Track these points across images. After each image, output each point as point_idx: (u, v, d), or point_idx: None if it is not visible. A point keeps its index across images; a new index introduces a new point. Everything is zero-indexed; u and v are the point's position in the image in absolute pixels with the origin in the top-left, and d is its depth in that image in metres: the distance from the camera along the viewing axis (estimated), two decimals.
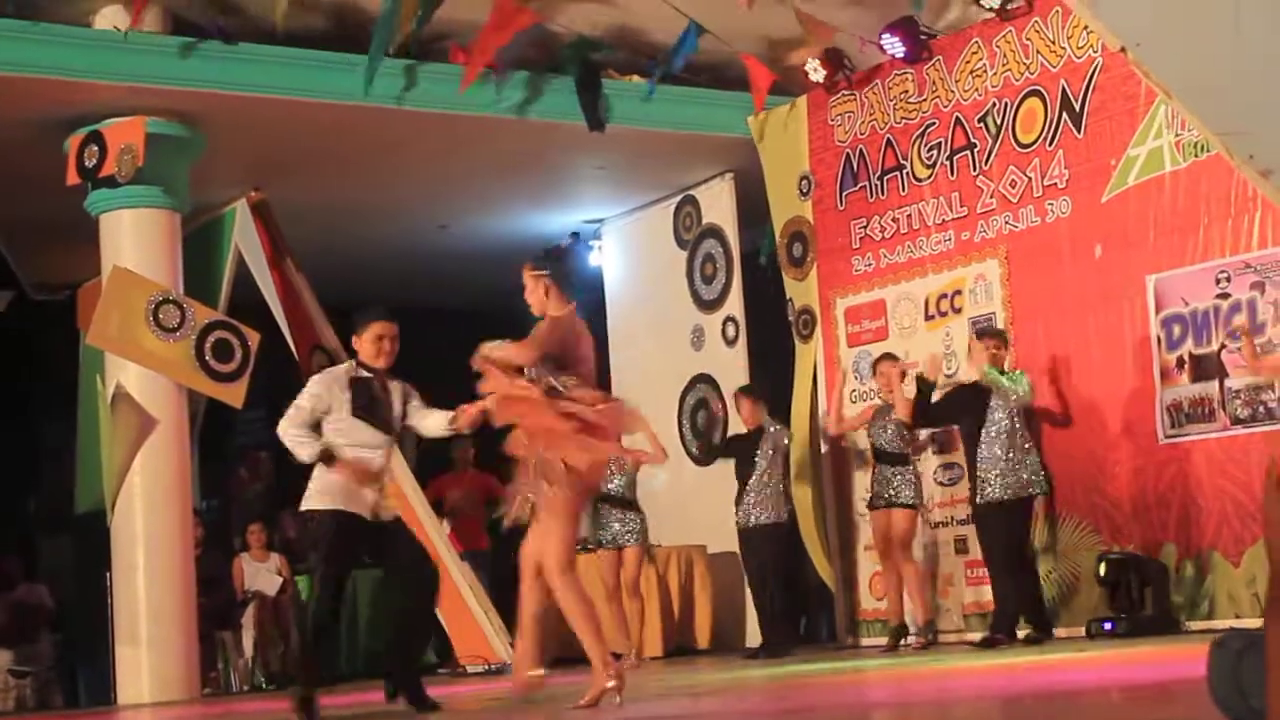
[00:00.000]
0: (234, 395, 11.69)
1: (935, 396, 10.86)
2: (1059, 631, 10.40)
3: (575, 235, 14.71)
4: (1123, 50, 3.17)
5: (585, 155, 12.91)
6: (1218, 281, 9.86)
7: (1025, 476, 10.24)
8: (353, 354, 7.95)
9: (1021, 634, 10.26)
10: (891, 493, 11.09)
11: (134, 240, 11.50)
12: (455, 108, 11.56)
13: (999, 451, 10.26)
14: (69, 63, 10.73)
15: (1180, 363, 10.08)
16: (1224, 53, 3.04)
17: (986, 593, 10.88)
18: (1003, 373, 10.33)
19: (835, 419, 11.82)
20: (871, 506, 11.29)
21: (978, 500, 10.40)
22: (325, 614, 7.80)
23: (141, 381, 11.36)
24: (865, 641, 11.96)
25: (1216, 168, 9.68)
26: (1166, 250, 10.15)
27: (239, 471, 16.17)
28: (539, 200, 14.15)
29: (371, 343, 7.77)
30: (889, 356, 11.33)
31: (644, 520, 11.80)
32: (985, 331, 10.81)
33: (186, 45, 11.01)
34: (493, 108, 11.74)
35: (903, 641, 11.10)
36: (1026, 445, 10.30)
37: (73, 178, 11.30)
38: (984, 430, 10.34)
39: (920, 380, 10.88)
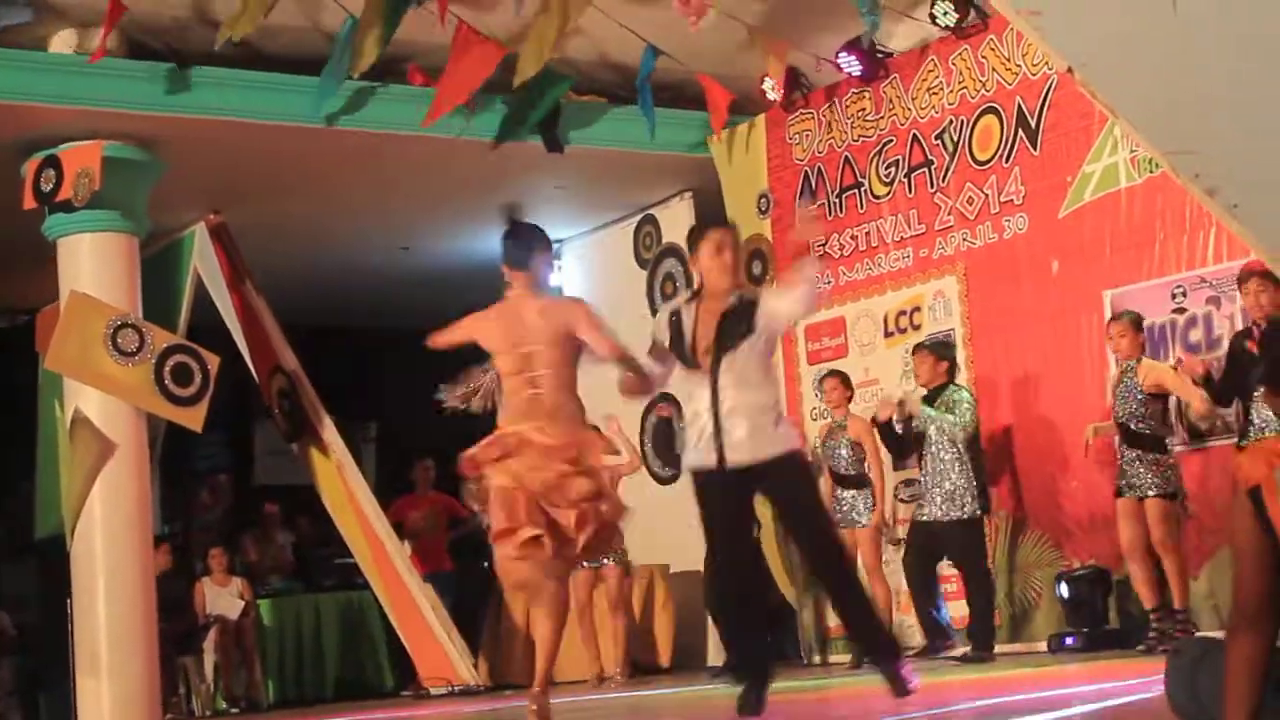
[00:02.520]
0: (193, 419, 11.64)
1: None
2: (1020, 646, 10.43)
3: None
4: (1070, 70, 3.18)
5: (544, 175, 12.92)
6: (1174, 296, 9.91)
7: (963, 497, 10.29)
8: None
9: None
10: (855, 516, 11.04)
11: (92, 264, 11.45)
12: (414, 129, 11.55)
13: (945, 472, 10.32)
14: (25, 87, 10.69)
15: None
16: (1169, 72, 3.06)
17: (952, 608, 10.90)
18: (938, 395, 10.34)
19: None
20: None
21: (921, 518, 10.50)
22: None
23: (101, 406, 11.30)
24: (834, 659, 11.96)
25: (1171, 184, 9.71)
26: (1123, 266, 10.20)
27: (200, 495, 16.11)
28: (499, 220, 14.11)
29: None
30: (834, 374, 11.37)
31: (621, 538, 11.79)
32: (920, 345, 10.83)
33: (143, 69, 10.99)
34: (452, 130, 11.74)
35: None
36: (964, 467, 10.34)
37: (29, 202, 11.25)
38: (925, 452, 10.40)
39: (874, 422, 10.91)
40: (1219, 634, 3.87)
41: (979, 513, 10.34)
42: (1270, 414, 8.33)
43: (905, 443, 10.76)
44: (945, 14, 10.96)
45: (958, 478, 10.26)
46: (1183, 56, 3.04)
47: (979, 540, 10.44)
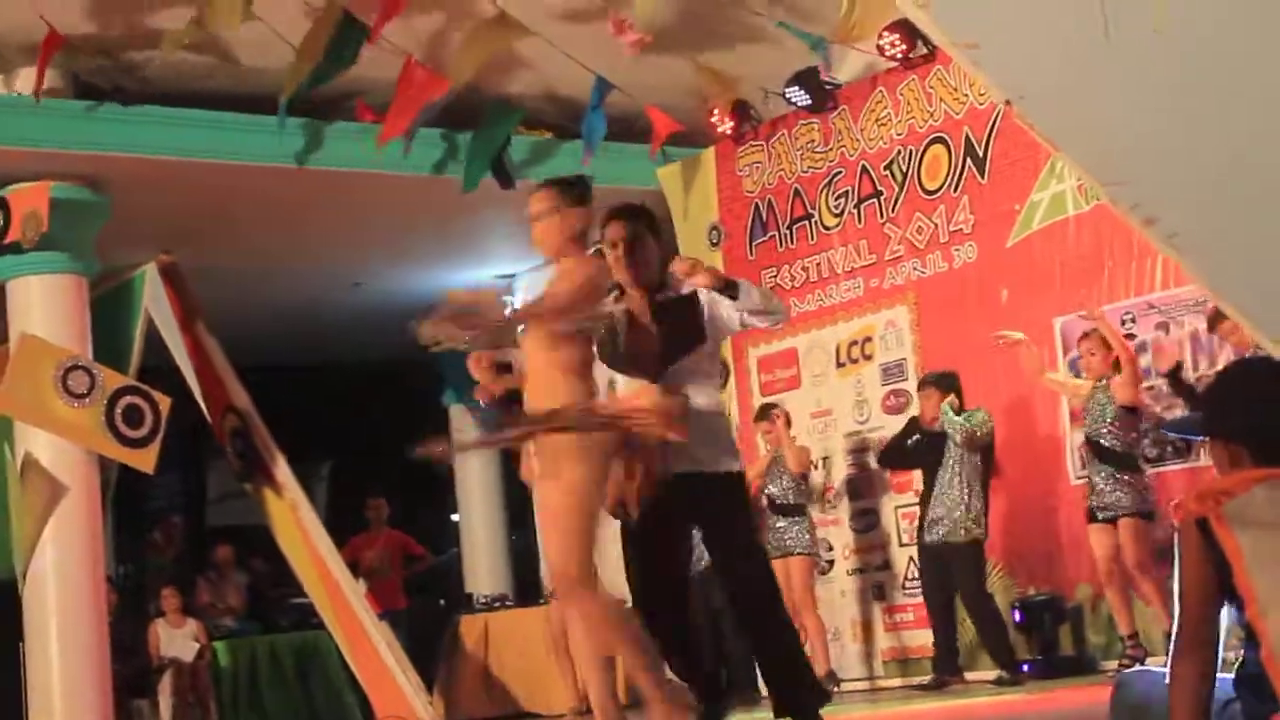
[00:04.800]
0: (145, 460, 11.57)
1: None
2: (974, 675, 10.44)
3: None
4: (1008, 103, 3.21)
5: (496, 211, 12.91)
6: (1123, 323, 9.97)
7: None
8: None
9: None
10: (789, 541, 10.97)
11: (41, 306, 11.38)
12: (364, 166, 11.54)
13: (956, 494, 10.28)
14: None
15: None
16: (1105, 105, 3.08)
17: (908, 638, 10.91)
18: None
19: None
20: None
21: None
22: None
23: (52, 449, 11.22)
24: None
25: None
26: (1072, 293, 10.25)
27: (153, 537, 16.02)
28: (451, 256, 14.13)
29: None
30: (771, 407, 11.36)
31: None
32: (925, 381, 10.76)
33: (89, 109, 10.96)
34: (402, 166, 11.73)
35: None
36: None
37: None
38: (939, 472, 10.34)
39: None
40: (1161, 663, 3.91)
41: (983, 534, 10.32)
42: None
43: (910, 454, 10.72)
44: (891, 45, 11.00)
45: (975, 499, 10.24)
46: (1119, 89, 3.07)
47: (983, 563, 10.41)
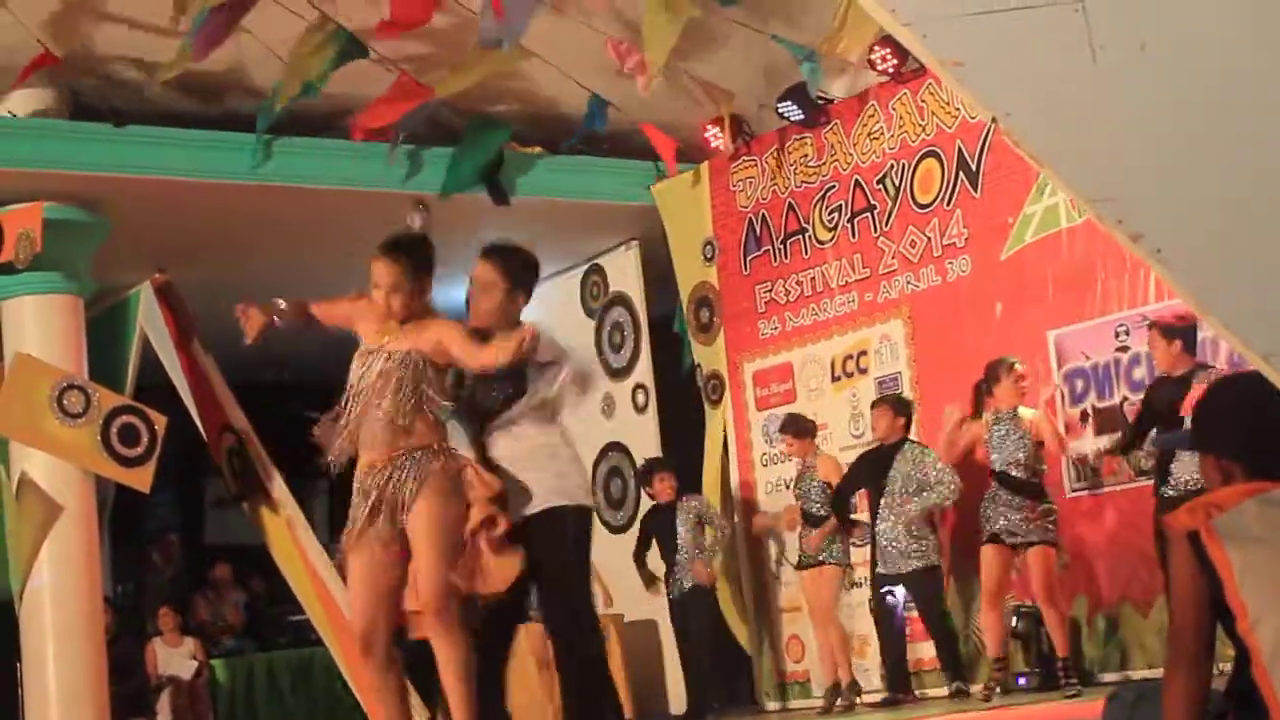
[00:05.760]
0: (141, 480, 11.58)
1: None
2: (972, 688, 10.45)
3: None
4: (994, 120, 3.22)
5: (494, 228, 12.91)
6: (1117, 335, 9.99)
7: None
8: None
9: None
10: (821, 554, 10.98)
11: (36, 326, 11.40)
12: (359, 185, 11.55)
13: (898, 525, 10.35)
14: None
15: (1084, 416, 10.20)
16: (1091, 121, 3.09)
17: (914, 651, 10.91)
18: (896, 451, 10.41)
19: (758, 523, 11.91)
20: (801, 566, 11.19)
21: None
22: None
23: (48, 468, 11.24)
24: (794, 704, 11.93)
25: None
26: (1066, 306, 10.27)
27: (150, 555, 16.02)
28: (446, 273, 14.08)
29: None
30: (795, 420, 11.29)
31: None
32: (880, 400, 10.89)
33: (83, 129, 10.97)
34: (399, 185, 11.74)
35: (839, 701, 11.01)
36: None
37: None
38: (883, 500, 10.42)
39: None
40: (1155, 674, 3.91)
41: (937, 559, 10.36)
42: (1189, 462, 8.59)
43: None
44: (882, 60, 11.02)
45: (918, 529, 10.27)
46: (1104, 105, 3.08)
47: (939, 586, 10.46)
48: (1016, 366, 9.82)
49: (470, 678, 6.15)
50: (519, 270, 6.58)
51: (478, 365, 6.16)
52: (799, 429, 11.13)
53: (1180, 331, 8.98)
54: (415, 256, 6.51)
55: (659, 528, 11.79)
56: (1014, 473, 9.70)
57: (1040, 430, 9.75)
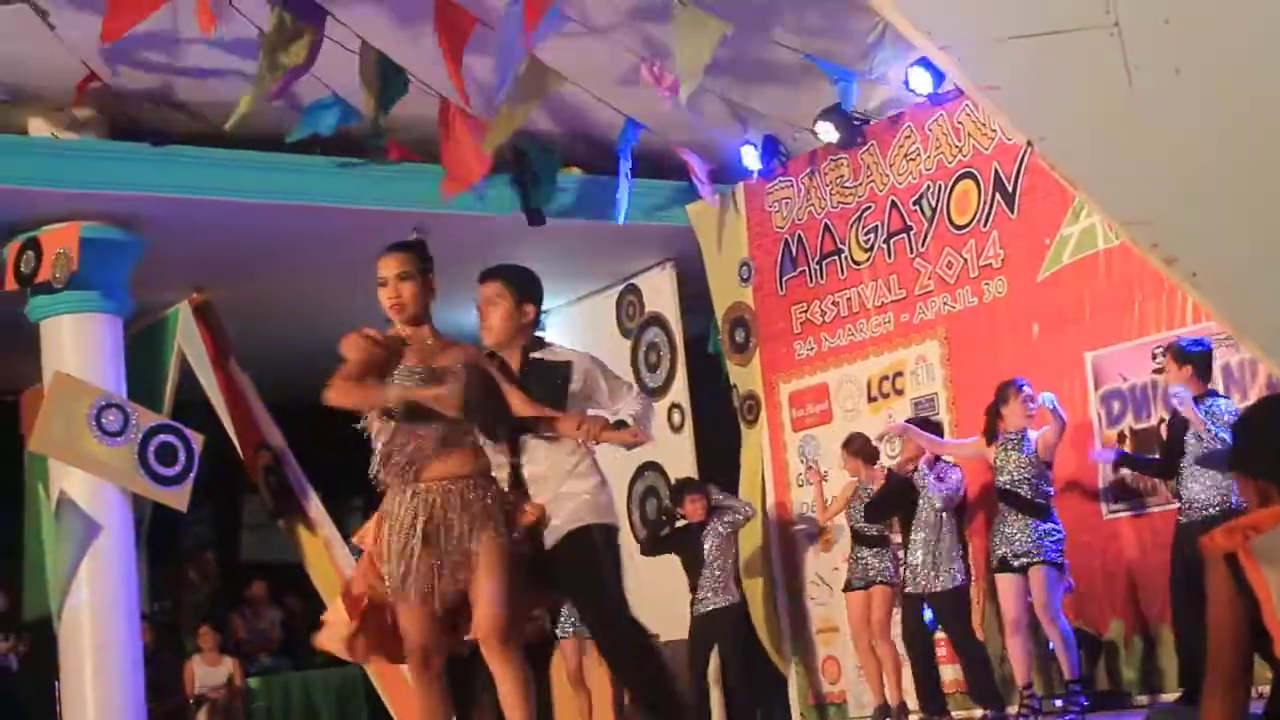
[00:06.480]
0: (178, 499, 11.64)
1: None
2: (1011, 709, 10.42)
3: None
4: (1029, 144, 3.23)
5: (532, 248, 12.94)
6: (1154, 357, 9.95)
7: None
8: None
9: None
10: (872, 572, 10.96)
11: (74, 345, 11.46)
12: (393, 204, 11.58)
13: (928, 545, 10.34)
14: (4, 170, 10.70)
15: (1121, 438, 10.16)
16: (1126, 145, 3.10)
17: (946, 672, 10.88)
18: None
19: (821, 509, 11.78)
20: (848, 588, 11.15)
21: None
22: None
23: (86, 487, 11.30)
24: None
25: None
26: (1103, 327, 10.24)
27: (187, 573, 16.08)
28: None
29: None
30: (856, 439, 11.23)
31: None
32: (848, 441, 11.07)
33: (122, 149, 11.03)
34: (437, 205, 11.76)
35: None
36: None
37: (10, 284, 11.30)
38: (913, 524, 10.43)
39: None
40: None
41: (964, 580, 10.33)
42: (1201, 486, 8.84)
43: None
44: (919, 81, 11.02)
45: (947, 547, 10.25)
46: (1139, 130, 3.08)
47: (967, 607, 10.44)
48: (1024, 388, 9.80)
49: (530, 699, 6.30)
50: (523, 282, 6.83)
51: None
52: (860, 449, 11.07)
53: (1193, 357, 9.02)
54: (419, 251, 6.73)
55: (685, 546, 11.76)
56: (1019, 492, 9.68)
57: (1043, 446, 9.72)
